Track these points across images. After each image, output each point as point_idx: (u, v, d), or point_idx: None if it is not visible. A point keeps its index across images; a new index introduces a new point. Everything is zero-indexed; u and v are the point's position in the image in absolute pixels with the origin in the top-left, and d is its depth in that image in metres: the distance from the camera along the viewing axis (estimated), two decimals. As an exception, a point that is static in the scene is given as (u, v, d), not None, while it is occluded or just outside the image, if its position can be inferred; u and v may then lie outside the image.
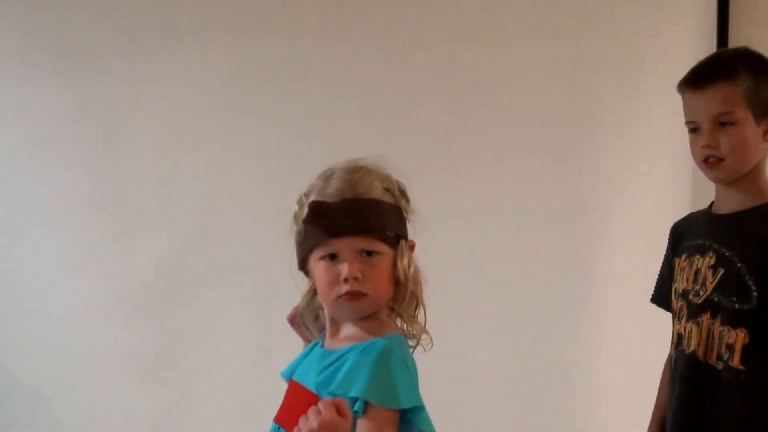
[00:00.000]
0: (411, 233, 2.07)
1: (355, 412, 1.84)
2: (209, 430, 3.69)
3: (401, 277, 2.02)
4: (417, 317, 2.06)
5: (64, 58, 3.73)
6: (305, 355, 2.13)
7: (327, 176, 2.03)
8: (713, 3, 3.79)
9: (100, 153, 3.75)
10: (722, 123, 2.32)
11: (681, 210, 3.52)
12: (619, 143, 3.78)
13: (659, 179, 3.79)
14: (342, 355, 1.97)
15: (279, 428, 2.05)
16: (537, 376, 3.71)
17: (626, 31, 3.79)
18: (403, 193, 2.08)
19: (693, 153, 2.42)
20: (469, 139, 3.75)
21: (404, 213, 2.07)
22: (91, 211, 3.74)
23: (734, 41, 3.70)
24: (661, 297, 2.69)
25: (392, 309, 2.05)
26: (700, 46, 3.70)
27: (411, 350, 2.03)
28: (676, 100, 3.24)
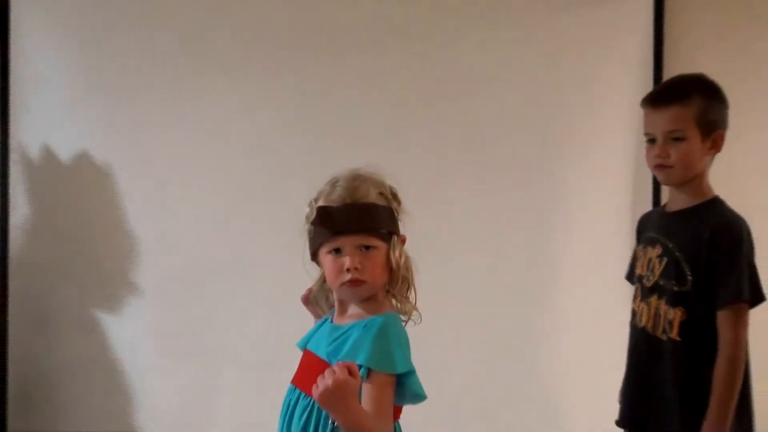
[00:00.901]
0: (402, 229, 2.13)
1: (361, 377, 1.91)
2: (233, 392, 3.70)
3: (394, 265, 2.08)
4: (409, 298, 2.13)
5: (109, 82, 3.74)
6: (317, 329, 2.21)
7: (332, 183, 2.09)
8: (650, 46, 3.80)
9: (143, 164, 3.75)
10: (674, 138, 2.45)
11: (624, 211, 3.79)
12: (577, 152, 3.79)
13: (610, 182, 3.81)
14: (348, 330, 2.05)
15: (295, 389, 2.13)
16: (508, 345, 3.73)
17: (582, 62, 3.80)
18: (394, 196, 2.14)
19: (647, 159, 2.55)
20: (454, 153, 3.77)
21: (395, 213, 2.13)
22: (132, 213, 3.74)
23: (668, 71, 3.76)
24: (630, 277, 2.78)
25: (388, 291, 2.11)
26: (641, 76, 3.78)
27: (404, 324, 2.09)
28: (623, 120, 3.69)
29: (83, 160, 3.72)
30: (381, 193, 2.10)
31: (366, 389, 1.94)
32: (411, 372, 2.00)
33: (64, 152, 3.72)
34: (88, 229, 3.76)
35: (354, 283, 2.04)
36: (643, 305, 2.56)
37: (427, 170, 3.70)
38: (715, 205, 2.54)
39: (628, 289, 3.24)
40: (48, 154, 3.72)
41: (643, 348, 2.56)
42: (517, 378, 3.72)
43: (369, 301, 2.10)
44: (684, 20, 3.82)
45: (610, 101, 3.80)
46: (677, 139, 2.46)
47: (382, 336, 2.00)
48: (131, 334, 3.71)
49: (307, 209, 2.13)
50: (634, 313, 2.60)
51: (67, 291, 3.74)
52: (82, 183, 3.75)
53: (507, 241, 3.76)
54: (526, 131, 3.77)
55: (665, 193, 3.61)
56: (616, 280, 3.45)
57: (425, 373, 2.04)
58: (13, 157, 3.72)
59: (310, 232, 2.12)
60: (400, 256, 2.10)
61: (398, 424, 2.11)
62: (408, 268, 2.13)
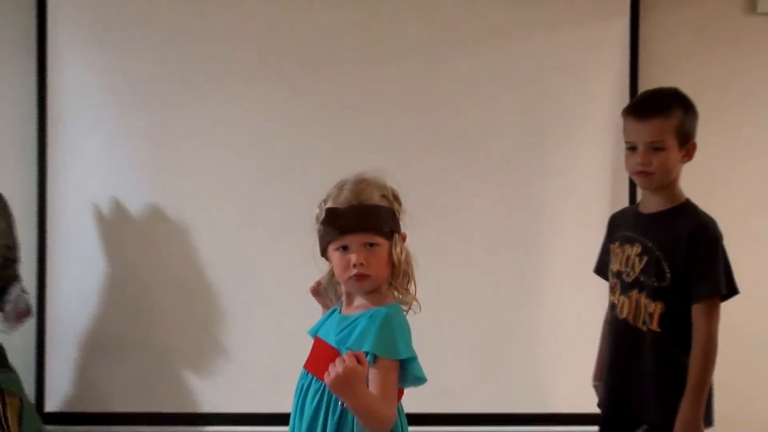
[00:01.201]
0: (403, 227, 2.18)
1: (368, 362, 1.95)
2: (256, 372, 3.73)
3: (396, 261, 2.12)
4: (409, 290, 2.17)
5: (140, 92, 3.76)
6: (326, 319, 2.25)
7: (339, 187, 2.13)
8: (626, 62, 3.83)
9: (170, 167, 3.78)
10: (655, 148, 2.49)
11: (603, 213, 3.58)
12: (561, 160, 3.82)
13: (585, 187, 3.83)
14: (355, 320, 2.10)
15: (307, 374, 2.18)
16: (494, 331, 3.77)
17: (565, 77, 3.82)
18: (396, 198, 2.18)
19: (627, 165, 2.59)
20: (449, 159, 3.79)
21: (396, 213, 2.16)
22: (157, 215, 3.76)
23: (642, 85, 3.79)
24: (601, 270, 2.84)
25: (391, 284, 2.15)
26: (617, 90, 3.82)
27: (405, 314, 2.14)
28: (601, 131, 3.77)
29: (114, 161, 3.77)
30: (383, 195, 2.14)
31: (372, 374, 1.98)
32: (413, 358, 2.05)
33: (99, 155, 3.75)
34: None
35: (360, 277, 2.08)
36: (623, 299, 2.59)
37: (426, 175, 3.71)
38: (689, 207, 2.59)
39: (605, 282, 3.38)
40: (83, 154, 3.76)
41: (624, 338, 2.59)
42: (508, 361, 3.76)
43: (373, 294, 2.13)
44: (658, 38, 3.87)
45: (590, 113, 3.83)
46: (657, 149, 2.50)
47: (386, 325, 2.04)
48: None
49: (317, 210, 2.17)
50: (613, 306, 2.65)
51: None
52: (114, 180, 3.77)
53: (499, 239, 3.79)
54: (515, 141, 3.80)
55: (641, 195, 3.76)
56: (591, 265, 3.62)
57: (424, 357, 2.09)
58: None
59: (319, 231, 2.16)
60: (401, 252, 2.14)
61: (400, 405, 2.14)
62: (408, 263, 2.16)
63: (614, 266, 2.66)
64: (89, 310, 3.74)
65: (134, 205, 3.76)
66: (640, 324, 2.53)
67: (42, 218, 3.74)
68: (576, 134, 3.83)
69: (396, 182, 2.21)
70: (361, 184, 2.14)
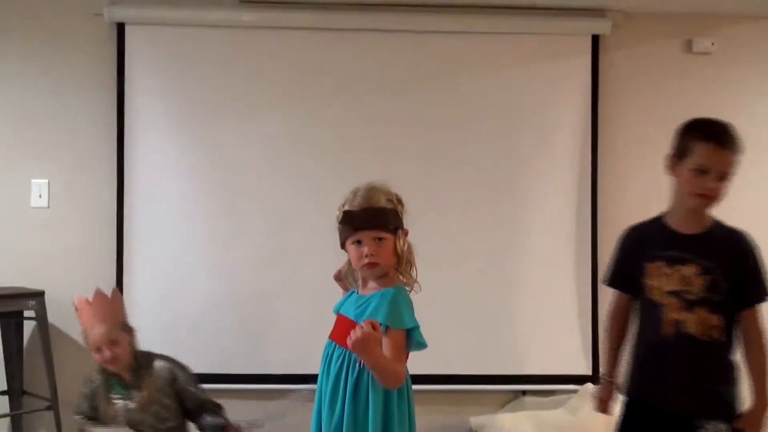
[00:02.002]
0: (406, 224, 2.28)
1: (382, 332, 2.08)
2: (289, 343, 3.77)
3: (400, 251, 2.23)
4: (411, 275, 2.27)
5: (189, 121, 3.81)
6: (346, 299, 2.36)
7: (354, 193, 2.25)
8: (588, 93, 3.90)
9: (215, 183, 3.81)
10: (722, 177, 2.33)
11: (564, 215, 3.89)
12: (534, 173, 3.88)
13: (559, 197, 3.89)
14: (369, 298, 2.22)
15: (332, 343, 2.29)
16: (481, 309, 3.82)
17: (539, 105, 3.88)
18: (399, 200, 2.28)
19: (693, 187, 2.37)
20: (444, 171, 3.85)
21: (399, 213, 2.26)
22: (210, 221, 3.81)
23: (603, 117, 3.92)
24: (616, 281, 2.63)
25: (396, 270, 2.26)
26: (582, 117, 3.90)
27: (409, 293, 2.25)
28: (569, 152, 3.78)
29: (176, 165, 3.80)
30: (389, 199, 2.23)
31: (385, 342, 2.10)
32: (416, 327, 2.16)
33: (164, 166, 3.80)
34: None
35: (371, 265, 2.20)
36: (688, 315, 2.36)
37: (425, 182, 3.77)
38: (723, 224, 2.45)
39: (571, 265, 3.70)
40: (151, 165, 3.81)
41: (692, 350, 2.37)
42: (493, 330, 3.81)
43: (383, 278, 2.24)
44: (614, 72, 3.96)
45: (560, 137, 3.89)
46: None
47: (394, 302, 2.15)
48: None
49: (337, 212, 2.28)
50: (677, 322, 2.37)
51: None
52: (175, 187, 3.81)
53: (486, 233, 3.84)
54: (498, 157, 3.86)
55: (603, 206, 3.88)
56: (563, 261, 3.81)
57: (425, 327, 2.20)
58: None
59: (339, 229, 2.27)
60: (404, 244, 2.24)
61: (406, 367, 2.20)
62: (410, 253, 2.26)
63: (666, 286, 2.40)
64: (157, 293, 3.79)
65: (191, 208, 3.81)
66: (706, 336, 2.35)
67: (120, 218, 3.79)
68: (546, 149, 3.88)
69: (399, 188, 2.31)
70: (371, 191, 2.23)
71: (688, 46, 3.98)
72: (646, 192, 3.91)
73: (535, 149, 3.89)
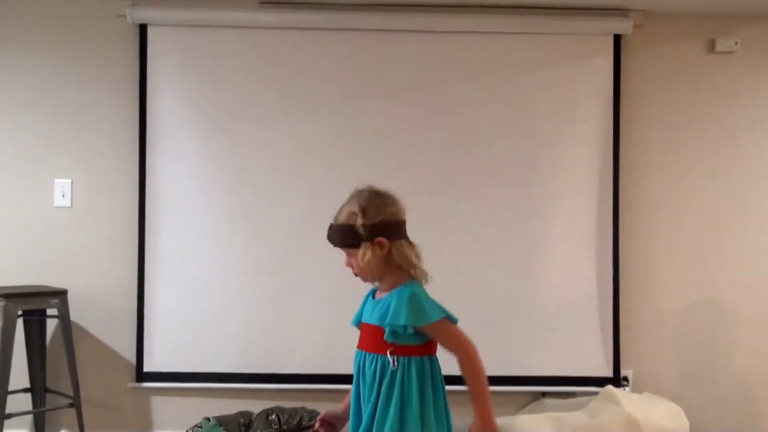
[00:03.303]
0: (411, 226, 2.22)
1: (405, 326, 2.08)
2: (308, 343, 3.78)
3: (365, 264, 2.14)
4: (411, 272, 2.18)
5: (209, 121, 3.82)
6: (363, 308, 2.29)
7: None
8: (610, 98, 3.87)
9: (236, 183, 3.83)
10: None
11: (589, 218, 3.85)
12: (554, 174, 3.85)
13: (580, 196, 3.86)
14: (384, 300, 2.17)
15: (361, 351, 2.21)
16: (502, 310, 3.79)
17: (556, 108, 3.85)
18: (364, 212, 2.15)
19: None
20: (465, 165, 3.82)
21: (359, 228, 2.13)
22: (231, 221, 3.82)
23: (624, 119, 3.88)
24: None
25: (398, 269, 2.17)
26: (604, 114, 3.86)
27: (422, 284, 2.19)
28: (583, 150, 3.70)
29: (197, 165, 3.80)
30: (352, 213, 2.16)
31: (439, 338, 2.12)
32: (445, 316, 2.12)
33: (185, 166, 3.81)
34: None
35: (356, 275, 2.22)
36: None
37: (445, 187, 3.76)
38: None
39: (592, 267, 3.66)
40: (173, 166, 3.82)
41: None
42: (513, 331, 3.79)
43: (386, 280, 2.20)
44: (636, 73, 3.93)
45: (582, 137, 3.86)
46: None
47: (413, 301, 2.10)
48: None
49: None
50: None
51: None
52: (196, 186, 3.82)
53: (505, 234, 3.80)
54: (517, 159, 3.83)
55: (625, 206, 3.84)
56: (584, 262, 3.77)
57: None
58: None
59: None
60: (363, 258, 2.14)
61: (435, 358, 2.17)
62: (404, 257, 2.16)
63: None
64: (178, 293, 3.82)
65: (212, 209, 3.82)
66: None
67: (142, 218, 3.82)
68: (567, 150, 3.86)
69: (418, 192, 2.34)
70: (342, 207, 2.21)
71: (711, 45, 3.94)
72: (669, 192, 3.96)
73: (555, 150, 3.87)
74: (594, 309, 3.86)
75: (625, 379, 3.86)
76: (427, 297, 2.15)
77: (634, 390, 3.82)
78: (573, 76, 3.87)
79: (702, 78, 3.95)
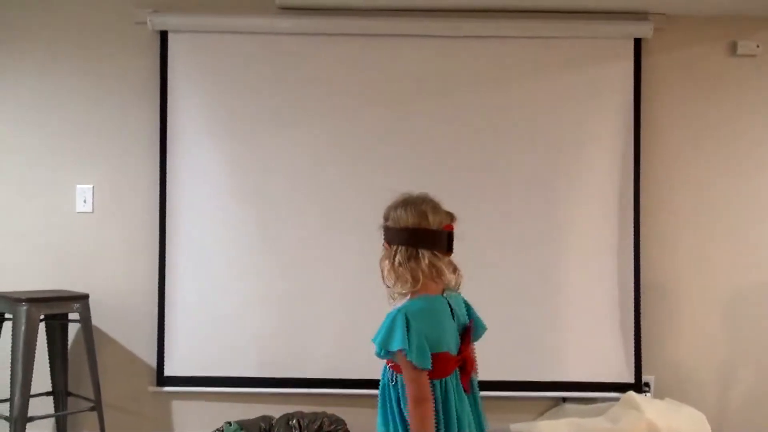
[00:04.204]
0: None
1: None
2: (327, 346, 3.78)
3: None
4: (396, 291, 2.13)
5: (229, 127, 3.83)
6: None
7: None
8: (630, 100, 3.84)
9: (255, 187, 3.83)
10: None
11: (609, 222, 3.82)
12: (575, 178, 3.82)
13: (601, 201, 3.83)
14: None
15: None
16: (522, 314, 3.77)
17: (577, 119, 3.82)
18: (385, 213, 2.19)
19: None
20: (485, 178, 3.82)
21: (380, 229, 2.19)
22: (250, 224, 3.82)
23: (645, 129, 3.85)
24: None
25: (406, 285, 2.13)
26: (624, 117, 3.83)
27: (419, 307, 2.07)
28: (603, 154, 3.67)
29: (217, 170, 3.82)
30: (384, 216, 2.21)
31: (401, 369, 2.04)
32: (403, 349, 1.98)
33: (204, 169, 3.83)
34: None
35: None
36: None
37: (463, 190, 3.75)
38: None
39: (613, 270, 3.65)
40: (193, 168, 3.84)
41: None
42: (533, 336, 3.77)
43: (396, 289, 2.14)
44: (656, 76, 3.90)
45: (602, 141, 3.83)
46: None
47: (389, 325, 2.03)
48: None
49: None
50: None
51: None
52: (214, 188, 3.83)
53: (525, 237, 3.80)
54: (538, 163, 3.82)
55: (646, 210, 3.82)
56: (605, 266, 3.76)
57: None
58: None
59: None
60: (383, 259, 2.18)
61: (444, 382, 2.07)
62: (389, 270, 2.14)
63: None
64: (199, 296, 3.83)
65: (232, 212, 3.83)
66: None
67: (162, 223, 3.84)
68: (587, 154, 3.83)
69: (437, 193, 2.22)
70: None
71: (733, 48, 3.89)
72: (691, 197, 3.92)
73: (575, 155, 3.84)
74: (615, 314, 3.83)
75: (647, 384, 3.82)
76: (408, 324, 2.02)
77: (655, 396, 3.78)
78: (593, 81, 3.84)
79: (724, 81, 3.91)
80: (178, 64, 3.86)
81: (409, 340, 1.98)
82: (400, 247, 2.12)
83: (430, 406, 2.00)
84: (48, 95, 3.93)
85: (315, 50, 3.86)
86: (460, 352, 2.14)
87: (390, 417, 2.10)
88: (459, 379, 2.12)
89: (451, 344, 2.10)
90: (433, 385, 2.04)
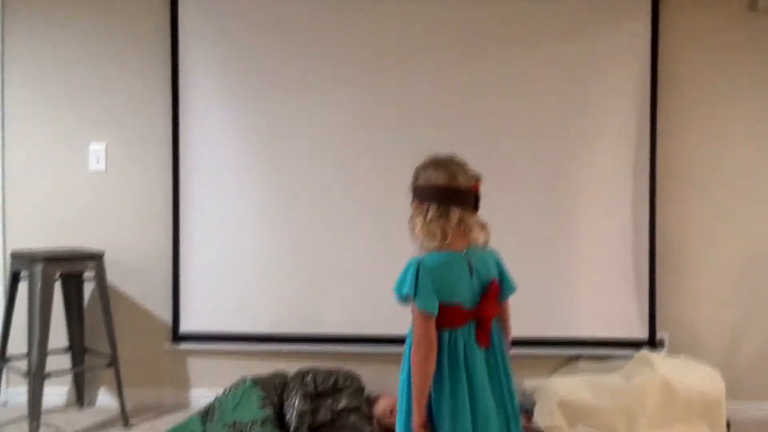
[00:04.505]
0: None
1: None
2: (344, 304, 3.79)
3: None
4: (423, 245, 2.16)
5: (241, 86, 3.81)
6: None
7: None
8: (647, 62, 3.78)
9: (268, 144, 3.82)
10: None
11: (625, 176, 3.78)
12: (590, 136, 3.78)
13: (616, 156, 3.79)
14: None
15: None
16: (536, 272, 3.75)
17: (592, 72, 3.77)
18: (414, 173, 2.25)
19: None
20: (501, 139, 3.79)
21: (409, 188, 2.24)
22: (264, 182, 3.82)
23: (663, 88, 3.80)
24: None
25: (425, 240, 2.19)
26: (640, 78, 3.78)
27: (431, 260, 2.12)
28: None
29: (229, 127, 3.81)
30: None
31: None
32: (412, 294, 2.08)
33: (218, 125, 3.82)
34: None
35: None
36: None
37: (479, 150, 3.68)
38: None
39: (628, 227, 3.64)
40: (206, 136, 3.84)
41: None
42: (547, 293, 3.76)
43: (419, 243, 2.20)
44: (674, 35, 3.83)
45: (619, 101, 3.79)
46: None
47: (405, 270, 2.12)
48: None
49: None
50: None
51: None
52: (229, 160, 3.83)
53: (540, 195, 3.78)
54: (553, 123, 3.77)
55: (662, 165, 3.78)
56: (620, 223, 3.74)
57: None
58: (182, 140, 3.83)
59: None
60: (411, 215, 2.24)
61: (457, 332, 2.13)
62: (413, 225, 2.20)
63: None
64: (213, 254, 3.84)
65: (246, 170, 3.82)
66: None
67: (176, 181, 3.85)
68: (604, 114, 3.79)
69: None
70: None
71: (754, 2, 3.80)
72: (707, 151, 3.87)
73: (591, 111, 3.80)
74: (630, 272, 3.82)
75: (661, 341, 3.83)
76: (418, 272, 2.10)
77: (670, 353, 3.78)
78: (609, 39, 3.79)
79: (744, 37, 3.84)
80: (189, 23, 3.85)
81: (417, 287, 2.07)
82: (431, 205, 2.17)
83: (431, 351, 2.08)
84: (60, 56, 3.92)
85: (331, 9, 3.82)
86: (477, 308, 2.17)
87: (406, 364, 2.16)
88: (474, 333, 2.16)
89: (464, 298, 2.15)
90: (442, 334, 2.12)
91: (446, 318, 2.11)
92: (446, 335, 2.13)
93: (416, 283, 2.08)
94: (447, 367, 2.12)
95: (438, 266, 2.12)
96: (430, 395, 2.11)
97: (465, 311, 2.15)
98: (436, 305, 2.09)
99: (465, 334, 2.15)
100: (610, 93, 3.80)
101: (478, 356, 2.16)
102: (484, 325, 2.18)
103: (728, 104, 3.85)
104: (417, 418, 2.09)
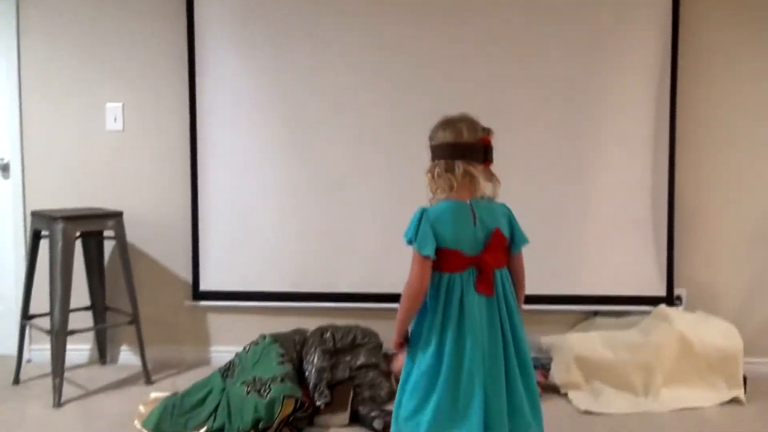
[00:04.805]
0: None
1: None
2: (360, 262, 3.82)
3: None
4: (435, 195, 2.31)
5: (257, 42, 3.78)
6: None
7: None
8: (668, 28, 3.72)
9: (286, 103, 3.80)
10: None
11: (644, 134, 3.75)
12: (608, 95, 3.73)
13: (631, 108, 3.75)
14: None
15: None
16: (554, 228, 3.75)
17: (614, 24, 3.71)
18: (430, 137, 2.35)
19: None
20: (520, 96, 3.74)
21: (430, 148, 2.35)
22: (282, 141, 3.81)
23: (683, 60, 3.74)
24: None
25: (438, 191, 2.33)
26: (659, 46, 3.73)
27: (434, 210, 2.24)
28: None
29: (247, 85, 3.79)
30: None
31: None
32: (412, 239, 2.22)
33: (236, 83, 3.79)
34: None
35: None
36: None
37: (497, 107, 3.67)
38: None
39: (647, 183, 3.61)
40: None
41: None
42: (565, 250, 3.76)
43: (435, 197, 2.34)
44: (696, 2, 3.80)
45: (638, 45, 3.72)
46: None
47: (413, 217, 2.25)
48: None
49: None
50: None
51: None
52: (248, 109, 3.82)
53: (559, 151, 3.74)
54: (573, 83, 3.73)
55: (682, 124, 3.73)
56: (639, 179, 3.72)
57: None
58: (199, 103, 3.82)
59: None
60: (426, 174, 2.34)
61: (447, 276, 2.24)
62: (431, 179, 2.31)
63: None
64: (231, 213, 3.85)
65: (263, 128, 3.80)
66: None
67: (193, 140, 3.84)
68: (624, 64, 3.72)
69: (469, 111, 2.32)
70: None
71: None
72: (728, 106, 3.81)
73: (611, 64, 3.74)
74: (648, 229, 3.80)
75: (679, 297, 3.82)
76: (421, 219, 2.24)
77: (687, 309, 3.78)
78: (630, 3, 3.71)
79: (766, 5, 3.73)
80: (207, 28, 3.81)
81: (417, 231, 2.22)
82: (440, 161, 2.30)
83: (421, 291, 2.24)
84: (76, 15, 3.90)
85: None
86: (479, 255, 2.27)
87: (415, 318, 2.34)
88: (474, 278, 2.25)
89: (465, 245, 2.26)
90: (442, 276, 2.26)
91: (445, 261, 2.25)
92: (446, 277, 2.26)
93: (417, 229, 2.22)
94: (442, 305, 2.25)
95: (440, 213, 2.25)
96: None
97: (466, 257, 2.26)
98: (432, 250, 2.22)
99: (465, 278, 2.26)
100: (632, 43, 3.72)
101: (477, 301, 2.24)
102: (485, 272, 2.26)
103: (748, 55, 3.77)
104: (396, 338, 2.34)
